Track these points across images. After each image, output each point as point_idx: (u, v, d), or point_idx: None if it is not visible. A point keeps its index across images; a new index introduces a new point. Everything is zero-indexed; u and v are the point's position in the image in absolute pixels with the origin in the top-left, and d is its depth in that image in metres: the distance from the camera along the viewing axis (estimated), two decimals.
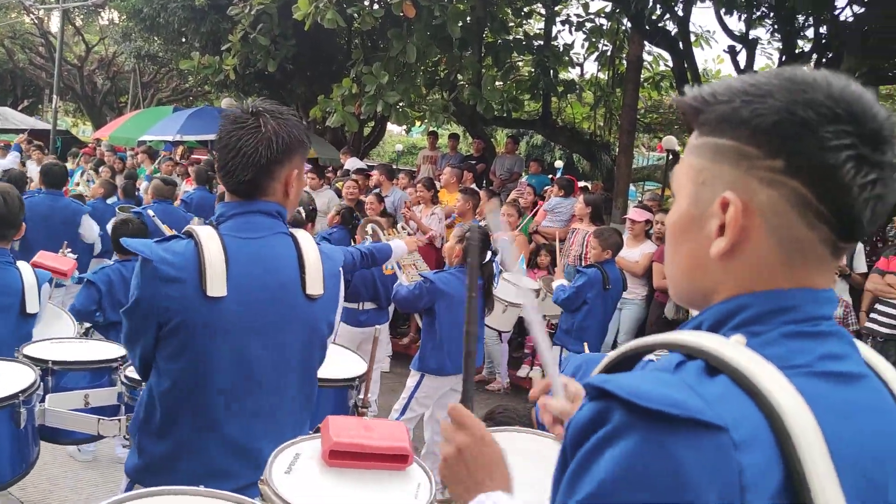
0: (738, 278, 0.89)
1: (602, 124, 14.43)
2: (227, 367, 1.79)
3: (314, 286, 1.88)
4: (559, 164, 15.50)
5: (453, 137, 13.07)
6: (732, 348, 0.82)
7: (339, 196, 8.07)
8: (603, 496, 0.75)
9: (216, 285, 1.74)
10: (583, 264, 6.29)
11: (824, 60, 9.68)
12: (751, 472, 0.75)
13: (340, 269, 2.03)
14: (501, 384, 7.07)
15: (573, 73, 14.29)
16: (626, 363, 0.96)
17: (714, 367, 0.81)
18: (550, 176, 11.31)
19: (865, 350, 0.97)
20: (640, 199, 13.25)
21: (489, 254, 4.42)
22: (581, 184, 11.71)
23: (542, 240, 7.64)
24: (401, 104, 9.50)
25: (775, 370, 0.81)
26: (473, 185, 9.04)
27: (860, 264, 6.43)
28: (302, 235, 1.94)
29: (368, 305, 5.41)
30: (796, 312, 0.87)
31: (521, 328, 7.12)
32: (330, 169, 11.91)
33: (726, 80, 0.91)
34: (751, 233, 0.87)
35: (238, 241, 1.82)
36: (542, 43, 12.15)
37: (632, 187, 12.29)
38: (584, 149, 13.23)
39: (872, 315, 5.72)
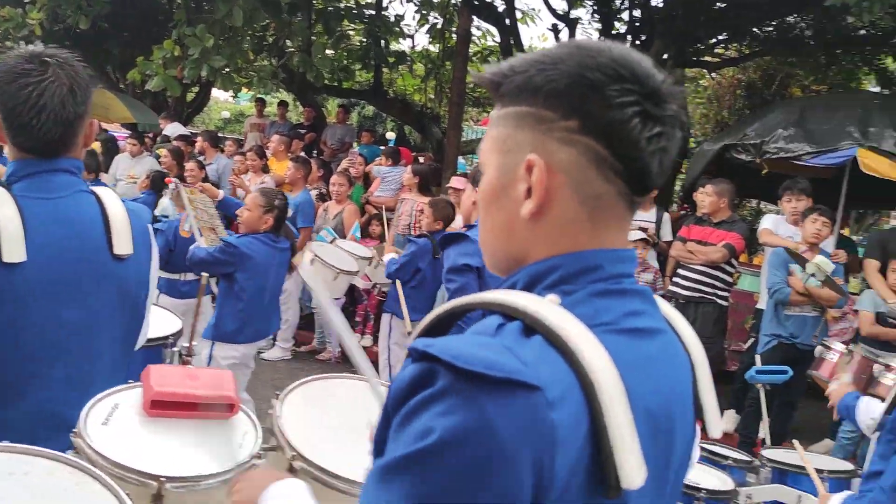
0: (547, 240, 0.94)
1: (433, 97, 14.60)
2: (32, 335, 1.68)
3: (122, 245, 1.80)
4: (391, 135, 15.55)
5: (282, 105, 12.77)
6: (548, 308, 0.86)
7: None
8: (424, 454, 0.77)
9: (13, 251, 1.63)
10: (412, 234, 6.38)
11: (637, 42, 10.33)
12: (562, 428, 0.79)
13: (149, 225, 1.94)
14: (333, 354, 7.07)
15: (404, 45, 14.33)
16: (444, 324, 0.98)
17: (530, 327, 0.85)
18: (382, 147, 11.34)
19: (664, 306, 1.07)
20: (468, 171, 13.56)
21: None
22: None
23: (373, 210, 7.67)
24: (227, 69, 9.15)
25: (585, 329, 0.86)
26: (303, 154, 8.90)
27: (666, 233, 6.98)
28: (104, 193, 1.84)
29: (191, 276, 5.23)
30: (601, 272, 0.93)
31: (352, 296, 7.15)
32: (150, 135, 11.30)
33: (522, 54, 0.97)
34: (555, 192, 0.92)
35: (36, 203, 1.70)
36: (373, 13, 12.09)
37: (461, 160, 12.54)
38: (415, 121, 13.35)
39: (675, 279, 6.22)
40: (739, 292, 6.78)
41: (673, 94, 0.92)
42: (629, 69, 0.90)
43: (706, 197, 6.11)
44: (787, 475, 2.92)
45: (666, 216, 7.08)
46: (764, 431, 3.88)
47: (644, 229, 6.79)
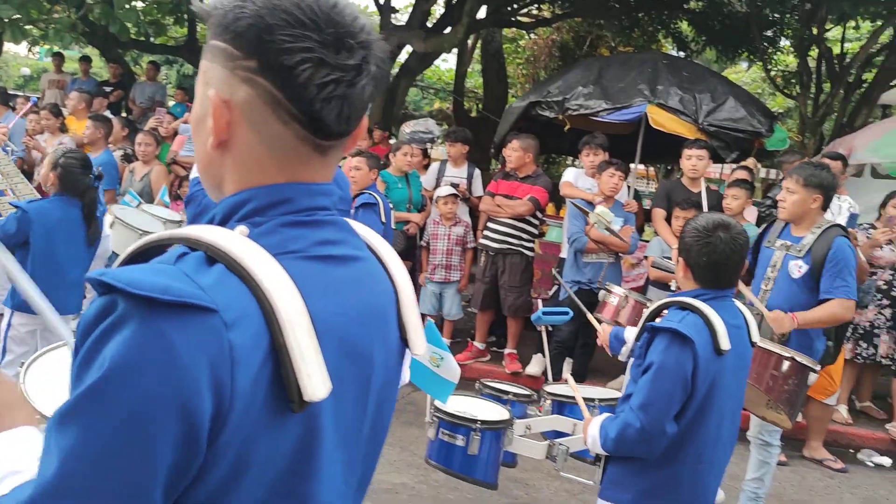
0: (236, 173, 0.98)
1: None
2: None
3: None
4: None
5: (85, 61, 11.90)
6: (230, 238, 0.89)
7: None
8: (107, 381, 0.79)
9: None
10: None
11: (453, 3, 10.48)
12: (240, 348, 0.83)
13: None
14: None
15: None
16: (141, 260, 0.96)
17: (212, 256, 0.88)
18: None
19: (367, 234, 1.14)
20: None
21: (92, 178, 4.16)
22: None
23: (181, 171, 7.38)
24: (18, 20, 8.41)
25: (267, 256, 0.90)
26: (108, 113, 8.38)
27: (478, 188, 7.22)
28: None
29: None
30: (292, 204, 0.97)
31: None
32: None
33: None
34: (235, 128, 0.95)
35: None
36: None
37: None
38: None
39: (485, 232, 6.47)
40: (548, 243, 7.14)
41: (365, 45, 0.95)
42: (311, 14, 0.92)
43: (512, 152, 6.36)
44: (566, 407, 3.16)
45: (477, 172, 7.31)
46: (547, 368, 4.17)
47: (456, 185, 6.99)
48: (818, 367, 3.53)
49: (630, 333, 2.85)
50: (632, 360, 2.51)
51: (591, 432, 2.44)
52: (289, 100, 0.93)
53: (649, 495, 2.33)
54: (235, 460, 0.85)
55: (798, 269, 3.87)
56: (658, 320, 2.39)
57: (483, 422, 2.62)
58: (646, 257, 6.26)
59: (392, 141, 9.61)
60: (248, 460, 0.86)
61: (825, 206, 3.92)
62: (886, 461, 5.47)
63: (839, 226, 3.98)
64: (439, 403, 2.67)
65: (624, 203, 6.23)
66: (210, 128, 0.96)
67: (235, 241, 0.89)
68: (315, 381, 0.88)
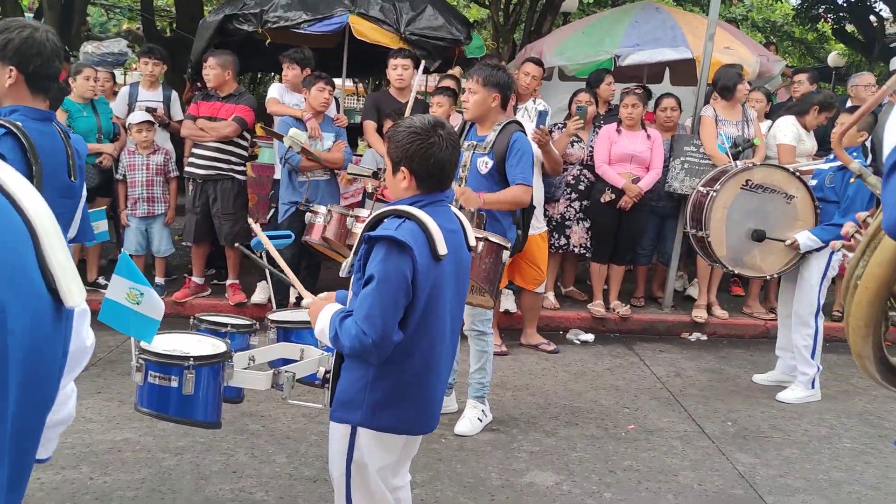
0: None
1: None
2: None
3: None
4: None
5: None
6: None
7: None
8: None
9: None
10: None
11: None
12: None
13: None
14: None
15: None
16: None
17: None
18: None
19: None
20: None
21: None
22: None
23: None
24: None
25: None
26: None
27: (177, 112, 6.66)
28: None
29: None
30: None
31: None
32: None
33: None
34: None
35: None
36: None
37: None
38: None
39: (191, 159, 6.00)
40: (261, 165, 6.80)
41: None
42: None
43: (210, 71, 5.89)
44: (291, 333, 3.01)
45: (175, 94, 6.73)
46: (271, 296, 4.00)
47: (151, 109, 6.37)
48: (509, 245, 3.80)
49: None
50: (353, 275, 2.40)
51: (320, 324, 2.33)
52: None
53: (379, 409, 2.29)
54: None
55: (485, 165, 4.07)
56: (374, 230, 2.30)
57: (196, 358, 2.38)
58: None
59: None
60: None
61: (504, 105, 4.12)
62: (590, 337, 6.07)
63: (516, 122, 4.20)
64: (145, 344, 2.38)
65: (334, 118, 6.09)
66: None
67: None
68: None
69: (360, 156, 6.72)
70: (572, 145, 6.20)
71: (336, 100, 6.51)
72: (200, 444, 3.86)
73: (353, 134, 7.91)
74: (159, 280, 6.27)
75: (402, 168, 2.33)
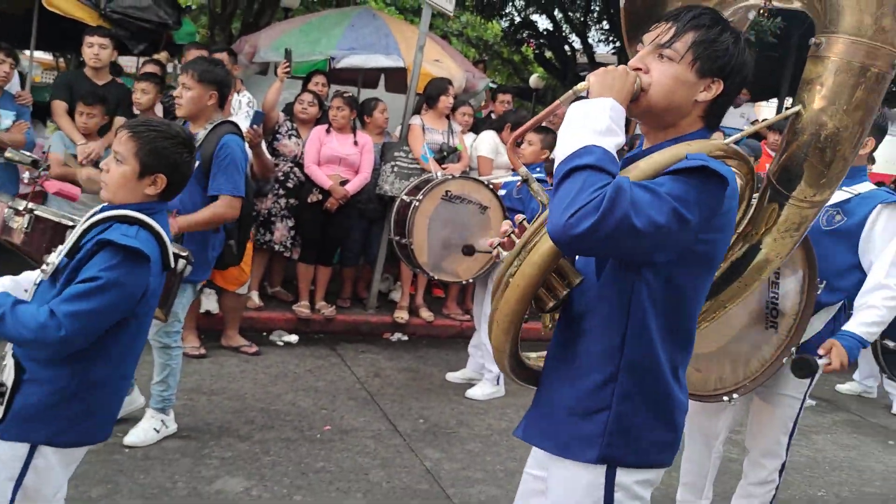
0: None
1: None
2: None
3: None
4: None
5: None
6: None
7: None
8: None
9: None
10: None
11: None
12: None
13: None
14: None
15: None
16: None
17: None
18: None
19: None
20: None
21: None
22: None
23: None
24: None
25: None
26: None
27: None
28: None
29: None
30: None
31: None
32: None
33: None
34: None
35: None
36: None
37: None
38: None
39: None
40: None
41: None
42: None
43: None
44: None
45: None
46: None
47: None
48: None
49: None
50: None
51: None
52: None
53: (77, 420, 2.14)
54: None
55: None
56: (106, 233, 2.10)
57: None
58: (44, 153, 5.59)
59: None
60: None
61: (221, 104, 3.91)
62: (294, 338, 6.02)
63: (231, 122, 3.98)
64: None
65: (15, 94, 5.44)
66: None
67: None
68: None
69: (48, 138, 6.07)
70: (290, 138, 6.12)
71: (21, 74, 5.82)
72: None
73: (44, 114, 7.12)
74: None
75: (160, 176, 2.23)
